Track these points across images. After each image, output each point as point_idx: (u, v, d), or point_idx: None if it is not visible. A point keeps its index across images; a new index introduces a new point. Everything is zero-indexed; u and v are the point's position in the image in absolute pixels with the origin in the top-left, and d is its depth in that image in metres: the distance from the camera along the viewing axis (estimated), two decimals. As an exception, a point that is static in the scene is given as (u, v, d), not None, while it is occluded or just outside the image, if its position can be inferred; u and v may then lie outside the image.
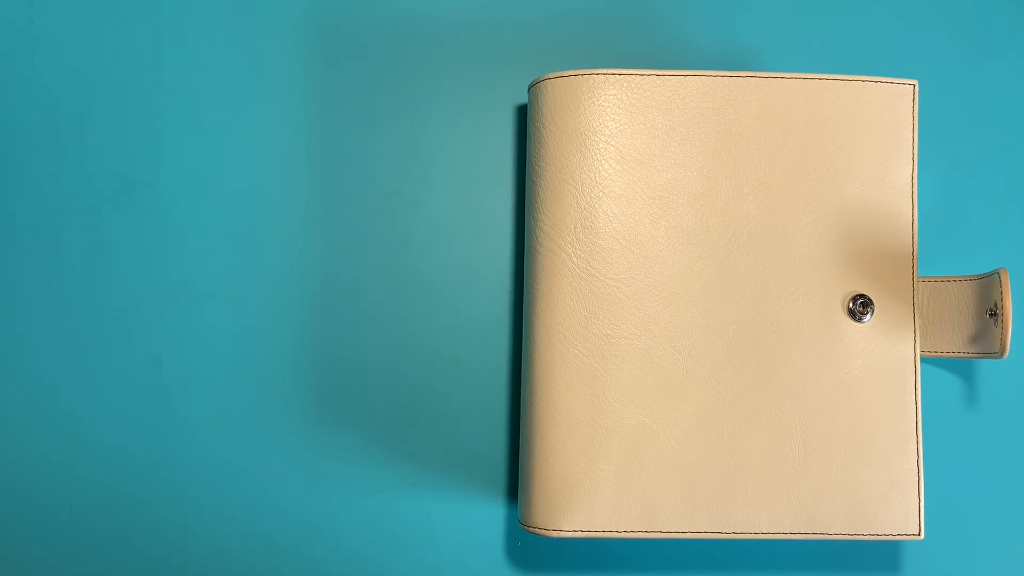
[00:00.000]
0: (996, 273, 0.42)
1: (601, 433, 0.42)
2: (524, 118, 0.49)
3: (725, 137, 0.43)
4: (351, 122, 0.49)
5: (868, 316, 0.43)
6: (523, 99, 0.49)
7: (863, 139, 0.43)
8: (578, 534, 0.42)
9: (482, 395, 0.48)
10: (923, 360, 0.47)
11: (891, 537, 0.42)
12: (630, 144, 0.43)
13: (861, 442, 0.42)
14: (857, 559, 0.47)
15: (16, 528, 0.47)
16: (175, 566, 0.47)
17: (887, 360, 0.43)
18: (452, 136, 0.49)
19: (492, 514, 0.47)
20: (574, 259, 0.42)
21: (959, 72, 0.50)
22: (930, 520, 0.47)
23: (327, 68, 0.49)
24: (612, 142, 0.43)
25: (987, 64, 0.50)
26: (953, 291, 0.44)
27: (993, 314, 0.42)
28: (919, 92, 0.48)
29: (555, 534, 0.42)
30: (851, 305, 0.43)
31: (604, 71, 0.43)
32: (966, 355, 0.44)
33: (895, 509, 0.42)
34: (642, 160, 0.43)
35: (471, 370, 0.48)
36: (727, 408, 0.42)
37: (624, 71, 0.43)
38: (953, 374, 0.48)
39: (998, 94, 0.50)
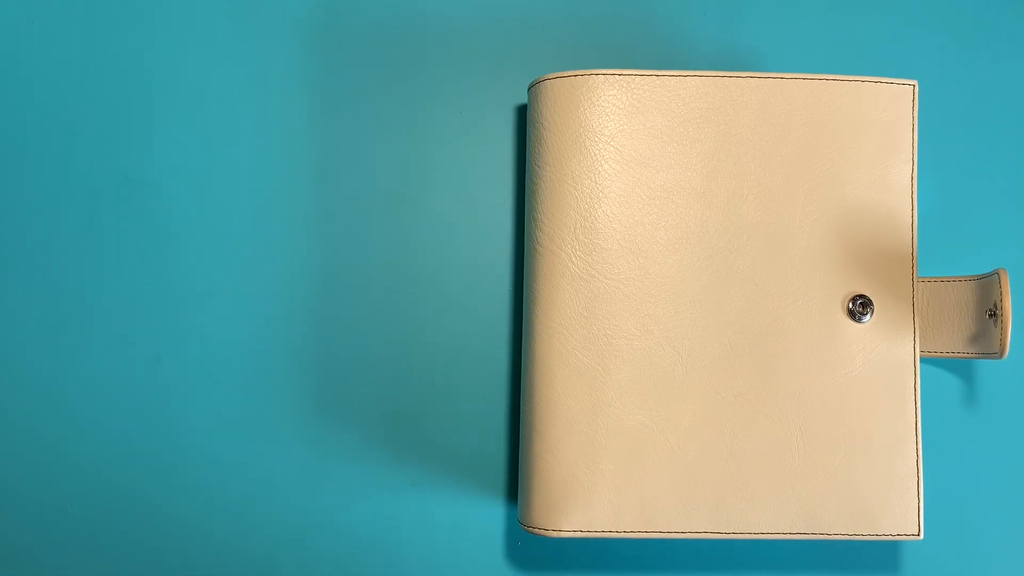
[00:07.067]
0: (996, 273, 0.42)
1: (601, 433, 0.42)
2: (524, 118, 0.49)
3: (725, 137, 0.43)
4: (352, 122, 0.49)
5: (868, 316, 0.42)
6: (523, 99, 0.49)
7: (863, 139, 0.43)
8: (578, 534, 0.42)
9: (482, 395, 0.48)
10: (923, 360, 0.47)
11: (891, 537, 0.42)
12: (630, 144, 0.43)
13: (861, 442, 0.42)
14: (857, 559, 0.47)
15: (16, 528, 0.47)
16: (175, 566, 0.47)
17: (887, 360, 0.43)
18: (452, 136, 0.49)
19: (492, 514, 0.47)
20: (574, 259, 0.42)
21: (959, 72, 0.50)
22: (930, 520, 0.47)
23: (327, 68, 0.49)
24: (612, 142, 0.43)
25: (987, 64, 0.50)
26: (953, 291, 0.44)
27: (993, 314, 0.42)
28: (919, 92, 0.48)
29: (555, 534, 0.42)
30: (851, 305, 0.43)
31: (604, 71, 0.43)
32: (966, 355, 0.44)
33: (895, 509, 0.42)
34: (642, 160, 0.43)
35: (471, 370, 0.48)
36: (727, 408, 0.42)
37: (624, 71, 0.43)
38: (953, 374, 0.48)
39: (998, 94, 0.50)
